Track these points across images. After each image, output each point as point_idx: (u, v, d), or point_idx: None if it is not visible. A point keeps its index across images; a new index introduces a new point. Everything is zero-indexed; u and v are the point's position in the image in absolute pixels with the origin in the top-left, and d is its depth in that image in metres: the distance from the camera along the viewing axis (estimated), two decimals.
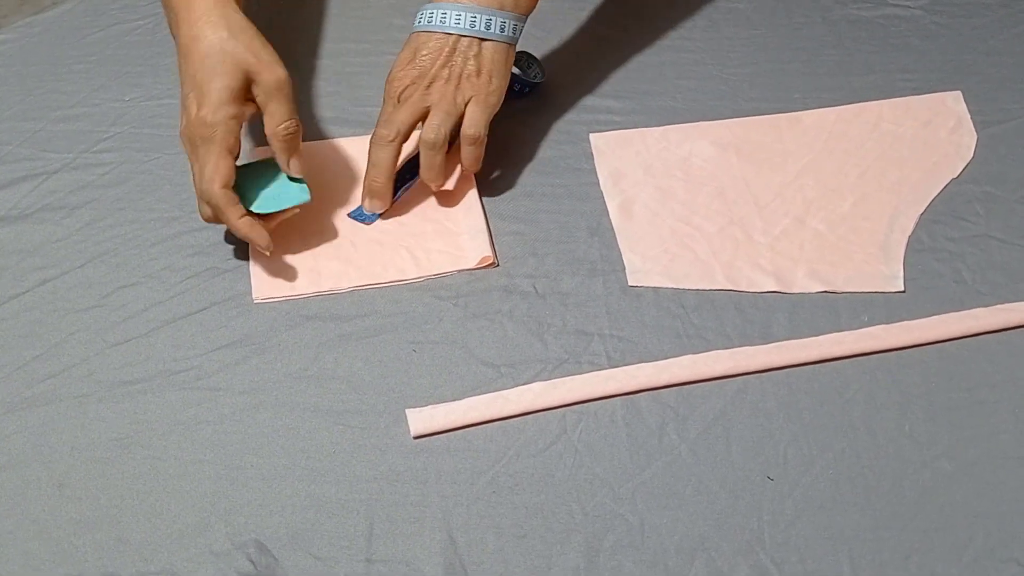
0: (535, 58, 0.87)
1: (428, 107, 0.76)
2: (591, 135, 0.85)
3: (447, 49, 0.77)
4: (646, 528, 0.65)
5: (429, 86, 0.77)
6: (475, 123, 0.77)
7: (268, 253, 0.73)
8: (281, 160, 0.74)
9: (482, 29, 0.76)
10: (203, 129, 0.69)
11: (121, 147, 0.85)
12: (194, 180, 0.72)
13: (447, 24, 0.76)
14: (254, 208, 0.73)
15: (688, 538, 0.64)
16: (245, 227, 0.72)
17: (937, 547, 0.63)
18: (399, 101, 0.77)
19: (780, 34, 0.94)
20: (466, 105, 0.77)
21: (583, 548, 0.64)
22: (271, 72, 0.72)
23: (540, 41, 0.91)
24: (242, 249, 0.78)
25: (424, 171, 0.78)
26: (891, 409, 0.69)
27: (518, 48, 0.81)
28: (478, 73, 0.77)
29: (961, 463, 0.67)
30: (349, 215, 0.80)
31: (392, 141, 0.76)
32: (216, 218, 0.73)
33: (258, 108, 0.73)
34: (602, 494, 0.66)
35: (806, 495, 0.66)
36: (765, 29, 0.94)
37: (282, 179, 0.75)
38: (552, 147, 0.85)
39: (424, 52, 0.77)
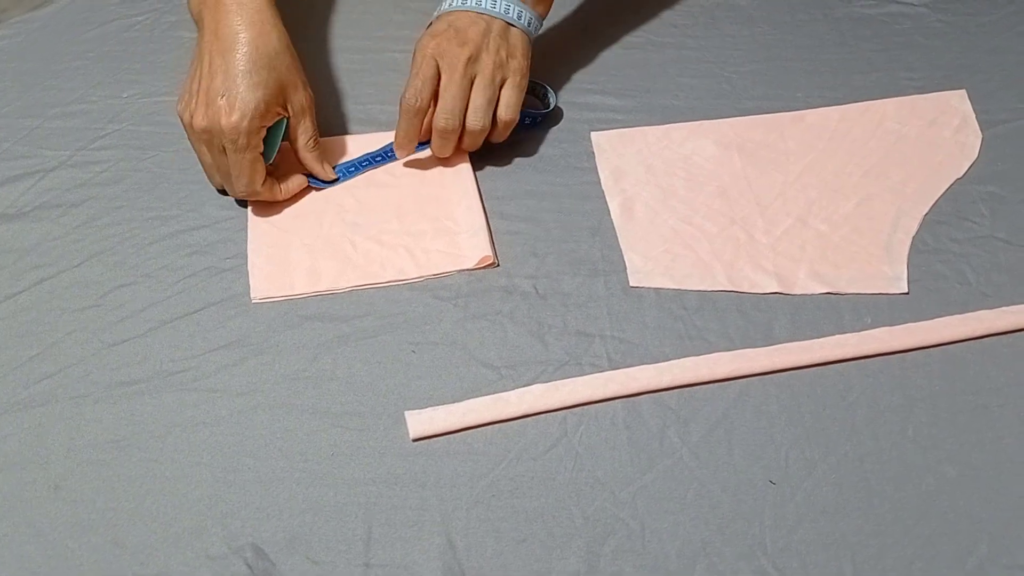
0: (548, 87, 0.86)
1: (473, 80, 0.78)
2: (592, 133, 0.85)
3: (483, 26, 0.79)
4: (647, 532, 0.64)
5: (472, 60, 0.78)
6: (511, 106, 0.80)
7: (333, 177, 0.81)
8: (316, 168, 0.80)
9: (514, 17, 0.80)
10: (237, 136, 0.73)
11: (119, 144, 0.84)
12: (212, 167, 0.77)
13: (482, 5, 0.79)
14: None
15: (689, 543, 0.64)
16: (292, 185, 0.80)
17: (940, 553, 0.63)
18: (435, 67, 0.77)
19: (783, 32, 0.93)
20: (501, 87, 0.79)
21: (583, 553, 0.63)
22: (305, 93, 0.78)
23: (540, 39, 0.90)
24: (241, 249, 0.77)
25: (468, 146, 0.81)
26: (894, 413, 0.69)
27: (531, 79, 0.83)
28: (511, 56, 0.79)
29: (965, 468, 0.66)
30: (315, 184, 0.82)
31: (452, 124, 0.78)
32: (249, 196, 0.78)
33: (276, 117, 0.76)
34: (603, 498, 0.65)
35: (808, 499, 0.65)
36: (767, 27, 0.93)
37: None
38: (553, 145, 0.84)
39: (462, 25, 0.79)
